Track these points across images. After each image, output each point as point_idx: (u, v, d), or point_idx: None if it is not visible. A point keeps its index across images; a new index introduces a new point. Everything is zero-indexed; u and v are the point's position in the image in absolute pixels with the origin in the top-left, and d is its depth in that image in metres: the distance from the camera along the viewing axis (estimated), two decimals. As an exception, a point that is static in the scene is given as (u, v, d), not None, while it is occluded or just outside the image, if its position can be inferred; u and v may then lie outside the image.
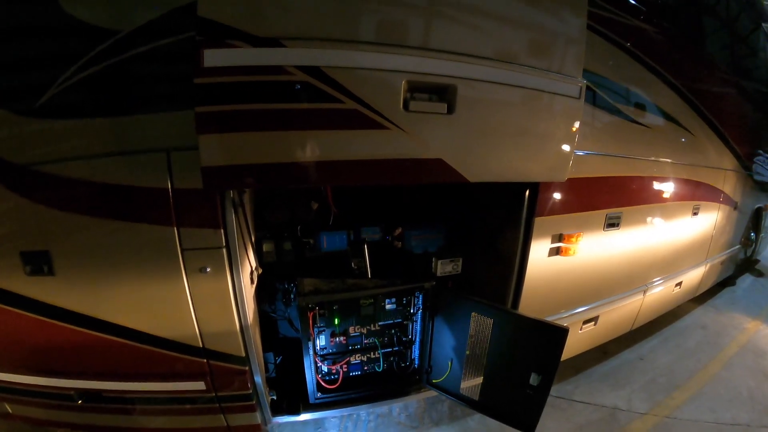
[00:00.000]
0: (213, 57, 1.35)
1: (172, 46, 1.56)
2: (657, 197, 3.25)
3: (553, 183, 2.30)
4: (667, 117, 3.14)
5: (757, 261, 6.16)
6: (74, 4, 1.50)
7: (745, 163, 4.72)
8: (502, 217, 2.41)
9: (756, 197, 5.32)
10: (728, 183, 4.35)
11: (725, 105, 4.04)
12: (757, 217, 5.59)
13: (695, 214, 3.85)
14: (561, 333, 1.95)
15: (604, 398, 3.18)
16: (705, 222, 4.12)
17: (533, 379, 2.05)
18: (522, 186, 2.26)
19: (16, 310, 1.74)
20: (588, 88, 2.33)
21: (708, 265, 4.53)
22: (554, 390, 3.16)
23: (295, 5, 1.38)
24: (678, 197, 3.50)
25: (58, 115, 1.56)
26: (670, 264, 3.76)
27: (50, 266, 1.67)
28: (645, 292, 3.54)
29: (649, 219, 3.19)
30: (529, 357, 2.07)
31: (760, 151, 5.20)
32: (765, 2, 4.99)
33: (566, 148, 1.99)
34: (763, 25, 5.03)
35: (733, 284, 5.74)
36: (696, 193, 3.78)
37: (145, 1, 1.55)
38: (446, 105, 1.63)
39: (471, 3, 1.60)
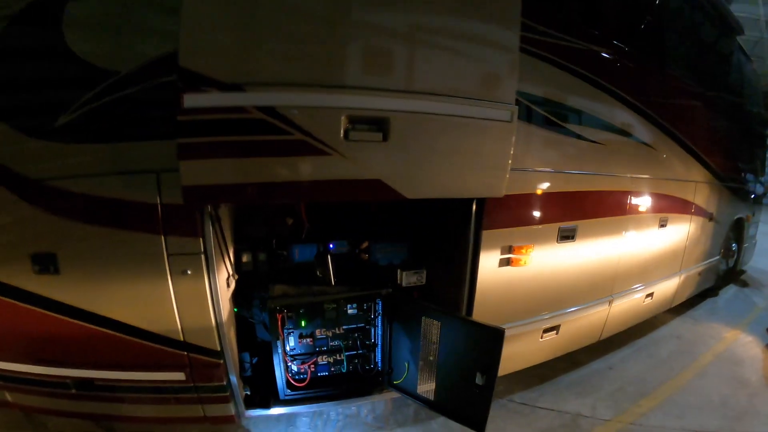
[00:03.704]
0: (191, 99, 1.67)
1: (160, 87, 1.87)
2: (617, 210, 3.36)
3: (499, 198, 2.43)
4: (622, 133, 3.26)
5: (742, 272, 6.15)
6: (80, 43, 1.83)
7: (720, 174, 4.77)
8: (454, 230, 2.60)
9: (735, 207, 5.36)
10: (700, 195, 4.43)
11: (691, 117, 4.13)
12: (738, 227, 5.62)
13: (663, 226, 3.94)
14: (497, 333, 2.11)
15: (567, 405, 3.22)
16: (675, 234, 4.20)
17: (479, 379, 2.18)
18: (469, 200, 2.42)
19: (23, 304, 2.01)
20: (530, 109, 2.54)
21: (682, 277, 4.58)
22: (518, 397, 3.27)
23: (254, 58, 1.72)
24: (641, 210, 3.61)
25: (67, 139, 1.89)
26: (637, 275, 3.83)
27: (56, 266, 1.95)
28: (611, 302, 3.60)
29: (608, 232, 3.31)
30: (473, 358, 2.22)
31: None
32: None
33: (501, 166, 2.21)
34: (737, 38, 5.13)
35: (716, 295, 5.73)
36: (662, 206, 3.87)
37: (137, 48, 1.89)
38: (381, 134, 1.90)
39: (402, 44, 1.90)
